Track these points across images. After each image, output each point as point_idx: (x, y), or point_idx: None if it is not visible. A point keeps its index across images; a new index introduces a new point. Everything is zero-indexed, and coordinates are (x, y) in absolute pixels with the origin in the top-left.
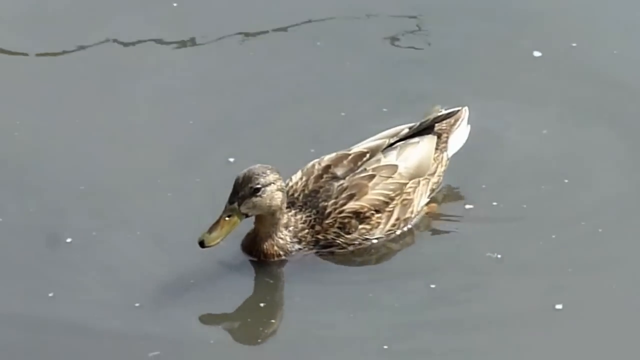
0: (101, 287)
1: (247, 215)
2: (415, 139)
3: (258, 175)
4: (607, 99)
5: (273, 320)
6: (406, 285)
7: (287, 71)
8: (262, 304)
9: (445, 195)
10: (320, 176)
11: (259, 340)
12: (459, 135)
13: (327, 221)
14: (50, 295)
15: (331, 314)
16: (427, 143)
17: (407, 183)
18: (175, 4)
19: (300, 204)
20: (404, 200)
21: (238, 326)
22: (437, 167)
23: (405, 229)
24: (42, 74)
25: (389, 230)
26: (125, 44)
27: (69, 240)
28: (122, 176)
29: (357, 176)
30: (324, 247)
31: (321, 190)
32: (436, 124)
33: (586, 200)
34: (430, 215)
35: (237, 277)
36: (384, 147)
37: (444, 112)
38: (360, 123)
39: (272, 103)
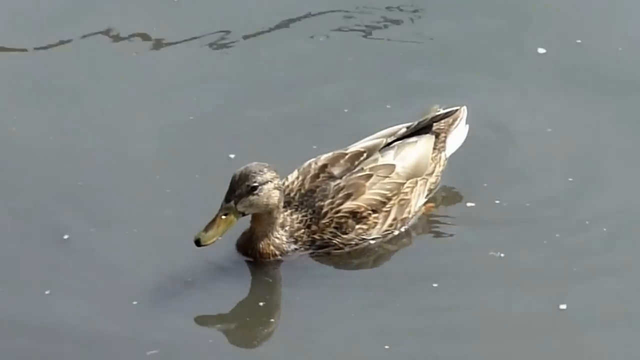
0: (98, 285)
1: (243, 214)
2: (413, 139)
3: (255, 173)
4: (613, 96)
5: (272, 320)
6: (408, 285)
7: (288, 66)
8: (261, 303)
9: (447, 192)
10: (316, 175)
11: (258, 340)
12: (457, 135)
13: (323, 221)
14: (47, 293)
15: (332, 314)
16: (425, 143)
17: (404, 183)
18: (176, 0)
19: (297, 203)
20: (401, 200)
21: (237, 325)
22: (435, 167)
23: (402, 229)
24: (39, 69)
25: (386, 231)
26: (125, 39)
27: (65, 237)
28: (120, 173)
29: (354, 176)
30: (320, 247)
31: (317, 189)
32: (434, 124)
33: (591, 199)
34: (428, 216)
35: (236, 276)
36: (382, 146)
37: (442, 111)
38: (363, 119)
39: (274, 99)
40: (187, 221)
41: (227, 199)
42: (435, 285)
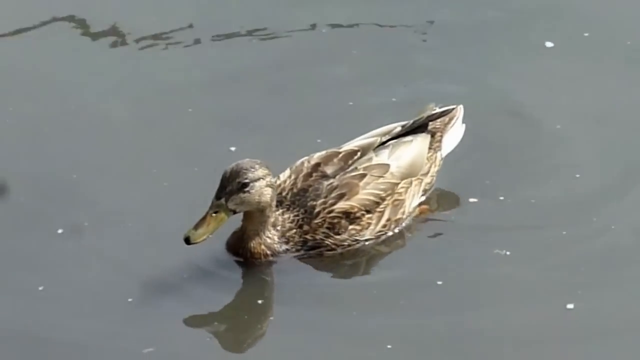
0: (93, 281)
1: (234, 212)
2: (408, 138)
3: (246, 169)
4: (622, 90)
5: (272, 318)
6: (412, 283)
7: (291, 60)
8: (259, 301)
9: (449, 188)
10: (309, 174)
11: (256, 338)
12: (453, 135)
13: (315, 221)
14: (41, 289)
15: (332, 313)
16: (420, 142)
17: (398, 183)
18: None
19: (288, 202)
20: (395, 200)
21: (234, 323)
22: (430, 167)
23: (396, 230)
24: (39, 60)
25: (380, 232)
26: (126, 34)
27: (60, 231)
28: (117, 165)
29: (347, 175)
30: (312, 248)
31: (310, 189)
32: (430, 123)
33: (598, 196)
34: (424, 216)
35: (235, 273)
36: (376, 145)
37: (438, 110)
38: (368, 113)
39: (277, 92)
40: (184, 215)
41: (218, 196)
42: (439, 283)
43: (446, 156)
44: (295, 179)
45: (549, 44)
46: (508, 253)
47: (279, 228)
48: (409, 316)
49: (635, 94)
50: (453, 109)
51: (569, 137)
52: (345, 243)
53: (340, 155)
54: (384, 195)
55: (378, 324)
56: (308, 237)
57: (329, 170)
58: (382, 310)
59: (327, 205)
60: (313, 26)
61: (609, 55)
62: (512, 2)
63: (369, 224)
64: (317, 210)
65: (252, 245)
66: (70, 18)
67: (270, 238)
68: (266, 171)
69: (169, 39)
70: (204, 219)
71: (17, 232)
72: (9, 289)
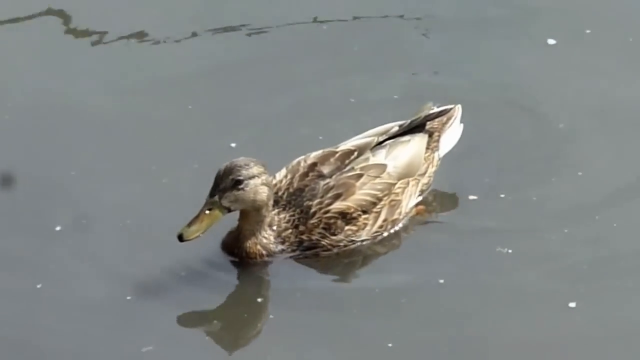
0: (91, 279)
1: (229, 210)
2: (406, 138)
3: (240, 167)
4: (623, 87)
5: (272, 316)
6: (414, 282)
7: (293, 55)
8: (259, 299)
9: (449, 186)
10: (305, 174)
11: (256, 337)
12: (451, 134)
13: (311, 221)
14: (39, 286)
15: (333, 312)
16: (417, 142)
17: (395, 183)
18: None
19: (284, 202)
20: (392, 201)
21: (233, 322)
22: (427, 167)
23: (392, 231)
24: (40, 55)
25: (376, 232)
26: (126, 29)
27: (58, 228)
28: (116, 162)
29: (344, 175)
30: (308, 248)
31: (306, 188)
32: (428, 122)
33: (600, 194)
34: (420, 217)
35: (231, 273)
36: (373, 145)
37: (436, 109)
38: (370, 109)
39: (278, 87)
40: (183, 212)
41: (211, 194)
42: (441, 281)
43: (445, 155)
44: (292, 178)
45: (551, 41)
46: (510, 251)
47: (274, 228)
48: (410, 315)
49: (638, 91)
50: (451, 108)
51: (571, 134)
52: (342, 244)
53: (337, 154)
54: (380, 195)
55: (378, 324)
56: (304, 237)
57: (325, 169)
58: (382, 310)
59: (323, 205)
60: (315, 21)
61: (611, 52)
62: None
63: (366, 224)
64: (313, 210)
65: (247, 245)
66: (58, 13)
67: (266, 238)
68: (262, 169)
69: (169, 34)
70: (197, 216)
71: (15, 229)
72: (6, 287)
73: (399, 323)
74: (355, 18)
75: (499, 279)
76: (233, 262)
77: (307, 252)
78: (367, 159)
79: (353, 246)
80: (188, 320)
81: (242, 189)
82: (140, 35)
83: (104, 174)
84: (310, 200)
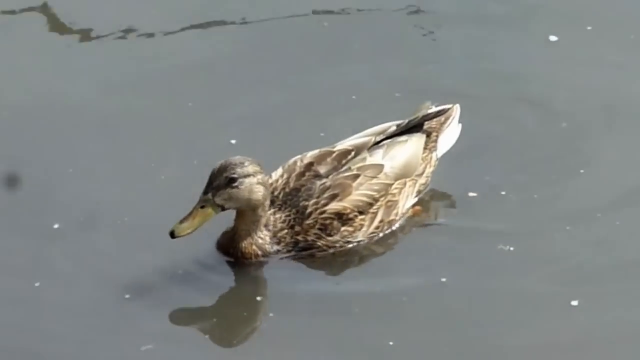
0: (90, 277)
1: (223, 208)
2: (403, 138)
3: (235, 165)
4: (625, 84)
5: (271, 314)
6: (416, 280)
7: (293, 52)
8: (258, 298)
9: (450, 184)
10: (302, 174)
11: (255, 335)
12: (449, 135)
13: (307, 222)
14: (37, 285)
15: (332, 311)
16: (415, 142)
17: (392, 184)
18: None
19: (280, 202)
20: (388, 201)
21: (233, 320)
22: (425, 167)
23: (388, 231)
24: (37, 53)
25: (372, 233)
26: (127, 25)
27: (56, 226)
28: (114, 159)
29: (340, 175)
30: (304, 249)
31: (303, 188)
32: (425, 122)
33: (602, 192)
34: (417, 218)
35: (231, 271)
36: (370, 145)
37: (434, 109)
38: (371, 106)
39: (279, 85)
40: (181, 209)
41: (205, 191)
42: (443, 280)
43: (445, 152)
44: (288, 178)
45: (552, 38)
46: (512, 249)
47: (270, 228)
48: (411, 314)
49: None
50: (449, 108)
51: (574, 131)
52: (337, 244)
53: (334, 154)
54: (377, 196)
55: (378, 323)
56: (299, 237)
57: (322, 169)
58: (382, 309)
59: (319, 205)
60: (316, 19)
61: (613, 48)
62: None
63: (362, 225)
64: (309, 210)
65: (243, 245)
66: (54, 10)
67: (262, 238)
68: (257, 168)
69: (168, 30)
70: (190, 213)
71: (13, 227)
72: (4, 285)
73: (399, 322)
74: (356, 13)
75: (501, 278)
76: (229, 262)
77: (303, 253)
78: (364, 159)
79: (349, 247)
80: (187, 318)
81: (236, 187)
82: (138, 33)
83: (101, 172)
84: (307, 200)
